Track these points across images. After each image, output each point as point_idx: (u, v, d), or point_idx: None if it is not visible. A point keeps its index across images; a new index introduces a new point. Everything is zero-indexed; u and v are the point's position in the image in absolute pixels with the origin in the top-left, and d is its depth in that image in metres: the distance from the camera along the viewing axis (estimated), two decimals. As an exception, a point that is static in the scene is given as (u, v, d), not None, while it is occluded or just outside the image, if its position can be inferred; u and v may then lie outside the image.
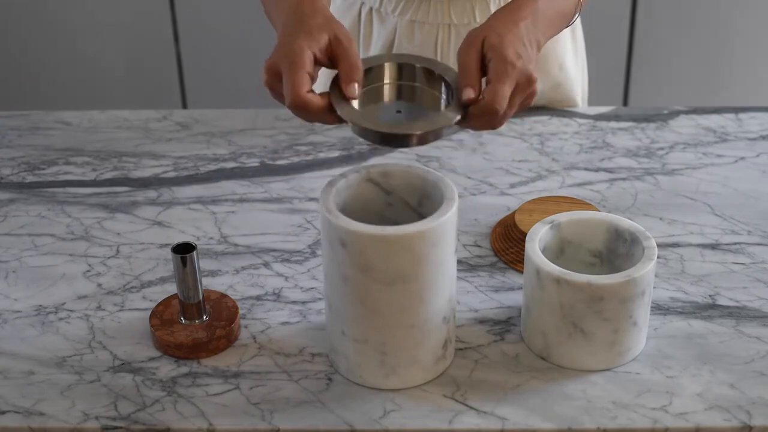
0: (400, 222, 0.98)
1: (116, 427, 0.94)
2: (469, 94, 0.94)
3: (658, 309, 1.07)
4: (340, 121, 0.94)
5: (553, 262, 0.99)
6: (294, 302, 1.09)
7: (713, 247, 1.16)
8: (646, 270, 0.96)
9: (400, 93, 1.00)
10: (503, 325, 1.05)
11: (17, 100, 2.58)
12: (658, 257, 1.11)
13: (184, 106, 2.59)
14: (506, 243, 1.15)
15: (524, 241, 1.04)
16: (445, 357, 0.99)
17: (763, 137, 1.37)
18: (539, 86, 1.41)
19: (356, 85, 0.94)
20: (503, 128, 1.33)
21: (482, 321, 1.06)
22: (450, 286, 0.96)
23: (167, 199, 1.26)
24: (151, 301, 1.09)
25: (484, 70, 0.97)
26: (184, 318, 1.03)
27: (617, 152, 1.34)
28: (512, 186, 1.27)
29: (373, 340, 0.95)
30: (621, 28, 2.45)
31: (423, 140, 0.93)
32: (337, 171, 1.29)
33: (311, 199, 1.25)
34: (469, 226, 1.19)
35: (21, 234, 1.20)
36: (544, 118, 1.42)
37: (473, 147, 1.34)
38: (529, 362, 1.00)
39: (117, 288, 1.11)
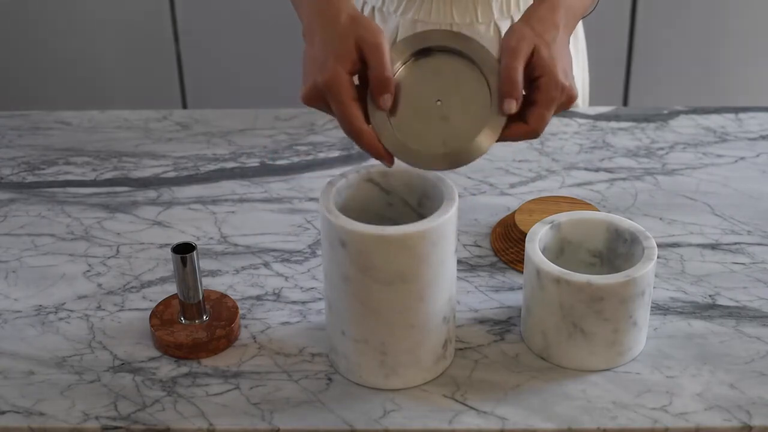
0: (400, 222, 0.98)
1: (116, 427, 0.94)
2: (512, 108, 0.92)
3: (658, 309, 1.07)
4: (389, 157, 0.94)
5: (553, 262, 0.99)
6: (294, 302, 1.09)
7: (713, 247, 1.16)
8: (646, 270, 0.96)
9: (434, 57, 0.96)
10: (503, 325, 1.05)
11: (17, 100, 2.58)
12: (658, 257, 1.11)
13: (184, 106, 2.59)
14: (506, 243, 1.15)
15: (524, 241, 1.04)
16: (445, 357, 0.99)
17: (763, 137, 1.37)
18: None
19: (388, 96, 0.93)
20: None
21: (482, 321, 1.06)
22: (450, 286, 0.96)
23: (167, 199, 1.26)
24: (151, 301, 1.09)
25: (526, 78, 0.94)
26: (184, 318, 1.03)
27: (617, 152, 1.34)
28: (512, 186, 1.27)
29: (373, 340, 0.95)
30: (621, 28, 2.45)
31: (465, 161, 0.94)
32: (337, 171, 1.29)
33: (311, 199, 1.25)
34: (469, 226, 1.19)
35: (21, 234, 1.20)
36: (544, 118, 1.42)
37: (473, 147, 1.34)
38: (529, 362, 1.00)
39: (117, 288, 1.11)
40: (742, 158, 1.33)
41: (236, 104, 2.50)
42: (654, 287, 1.06)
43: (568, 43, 1.00)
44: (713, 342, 1.03)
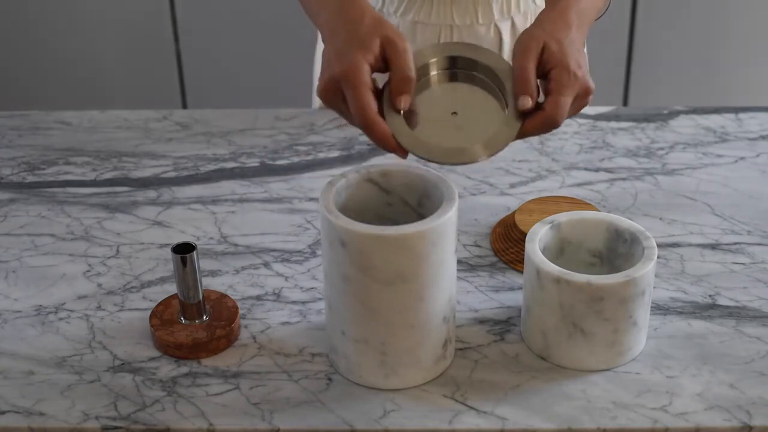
0: (400, 222, 0.98)
1: (116, 427, 0.94)
2: (526, 103, 0.93)
3: (658, 309, 1.07)
4: (402, 150, 0.93)
5: (553, 262, 0.99)
6: (294, 302, 1.09)
7: (713, 247, 1.16)
8: (646, 270, 0.96)
9: (454, 78, 0.98)
10: (503, 325, 1.05)
11: (17, 100, 2.58)
12: (658, 257, 1.11)
13: (184, 106, 2.59)
14: (506, 243, 1.15)
15: (524, 241, 1.04)
16: (445, 357, 0.99)
17: (763, 137, 1.37)
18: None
19: (407, 97, 0.94)
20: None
21: (482, 321, 1.06)
22: (450, 286, 0.96)
23: (167, 199, 1.26)
24: (151, 301, 1.09)
25: (539, 75, 0.96)
26: (184, 318, 1.03)
27: (617, 152, 1.34)
28: (512, 186, 1.27)
29: (373, 340, 0.95)
30: (621, 28, 2.45)
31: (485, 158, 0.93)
32: (337, 171, 1.29)
33: (311, 199, 1.25)
34: (469, 226, 1.19)
35: (21, 234, 1.20)
36: (544, 118, 1.42)
37: (473, 147, 1.34)
38: (529, 362, 1.00)
39: (117, 288, 1.11)
40: (742, 158, 1.33)
41: (236, 104, 2.51)
42: (654, 287, 1.06)
43: (584, 44, 1.01)
44: (713, 342, 1.03)
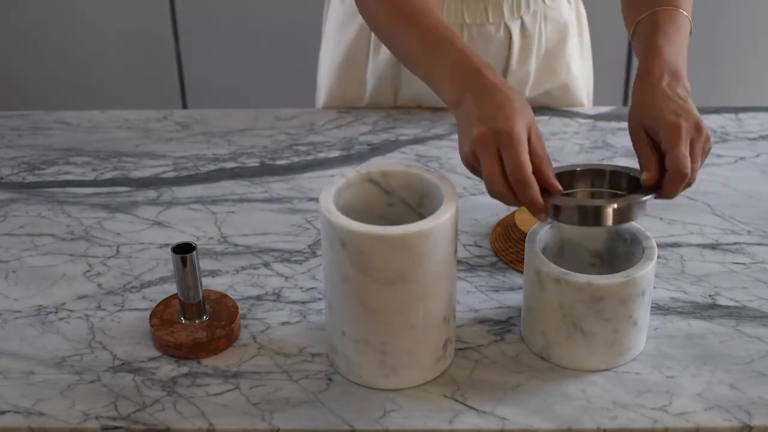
0: (400, 222, 0.98)
1: (116, 427, 0.94)
2: (644, 176, 0.96)
3: (658, 309, 1.07)
4: (545, 212, 0.94)
5: (553, 262, 0.99)
6: (294, 302, 1.09)
7: (713, 247, 1.16)
8: (646, 270, 0.96)
9: (592, 198, 1.02)
10: (503, 325, 1.05)
11: (17, 100, 2.58)
12: (658, 257, 1.11)
13: (184, 106, 2.59)
14: (506, 243, 1.15)
15: (524, 241, 1.04)
16: (445, 357, 0.99)
17: (763, 137, 1.37)
18: (549, 86, 1.42)
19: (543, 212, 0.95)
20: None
21: (482, 321, 1.06)
22: (450, 286, 0.96)
23: (167, 199, 1.26)
24: (151, 301, 1.09)
25: (659, 150, 0.98)
26: (184, 318, 1.03)
27: (617, 152, 1.34)
28: (512, 186, 1.27)
29: (373, 340, 0.95)
30: (621, 28, 2.45)
31: (621, 216, 0.94)
32: (337, 171, 1.29)
33: (311, 199, 1.25)
34: (469, 226, 1.19)
35: (21, 234, 1.20)
36: (544, 118, 1.42)
37: (473, 147, 1.34)
38: (529, 362, 1.00)
39: (117, 288, 1.11)
40: (742, 158, 1.33)
41: (236, 104, 2.50)
42: (654, 287, 1.06)
43: (684, 89, 1.01)
44: (713, 342, 1.03)
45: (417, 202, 0.99)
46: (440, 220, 0.91)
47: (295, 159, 1.34)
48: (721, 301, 1.08)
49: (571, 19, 1.42)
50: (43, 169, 1.32)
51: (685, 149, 0.95)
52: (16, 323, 1.06)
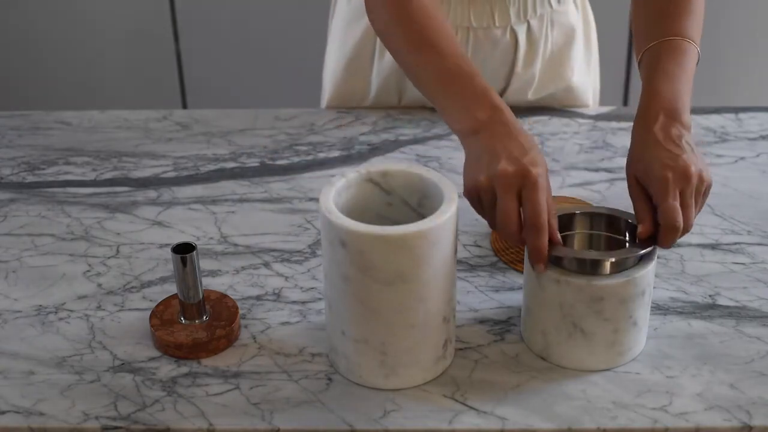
0: (400, 222, 0.98)
1: (116, 427, 0.94)
2: (640, 228, 0.97)
3: (658, 309, 1.07)
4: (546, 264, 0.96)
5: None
6: (294, 302, 1.09)
7: (713, 247, 1.16)
8: (646, 270, 0.96)
9: (590, 241, 1.03)
10: (503, 325, 1.05)
11: (17, 100, 2.58)
12: (658, 257, 1.11)
13: (184, 106, 2.59)
14: (506, 243, 1.15)
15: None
16: (445, 357, 0.99)
17: (763, 137, 1.37)
18: (553, 89, 1.42)
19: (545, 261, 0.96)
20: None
21: (482, 321, 1.06)
22: (450, 286, 0.96)
23: (167, 199, 1.26)
24: (151, 301, 1.09)
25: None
26: (184, 318, 1.03)
27: (617, 152, 1.34)
28: (512, 186, 1.27)
29: (373, 340, 0.95)
30: (621, 28, 2.45)
31: (619, 268, 0.96)
32: (337, 171, 1.29)
33: (311, 199, 1.25)
34: (469, 226, 1.19)
35: (21, 234, 1.20)
36: (544, 118, 1.42)
37: (473, 147, 1.34)
38: (529, 362, 1.00)
39: (117, 288, 1.11)
40: (742, 158, 1.33)
41: (236, 104, 2.51)
42: (654, 287, 1.06)
43: (680, 127, 1.02)
44: (713, 342, 1.03)
45: (417, 202, 0.99)
46: (440, 220, 0.91)
47: (295, 159, 1.34)
48: (721, 301, 1.08)
49: (577, 22, 1.42)
50: (43, 169, 1.32)
51: (673, 201, 0.96)
52: (16, 323, 1.06)
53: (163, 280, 1.12)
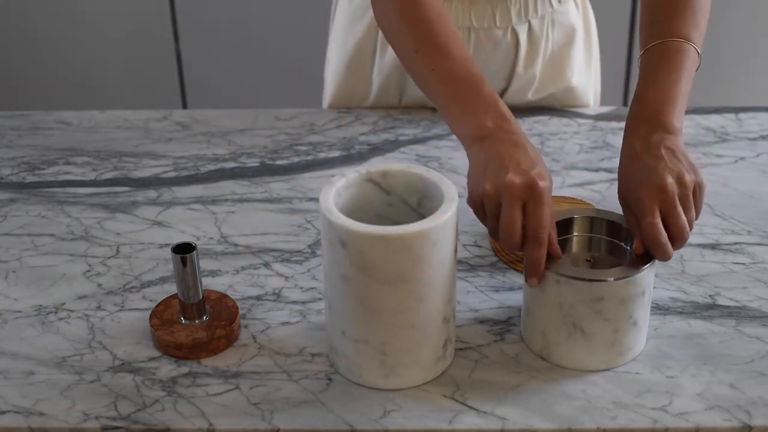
0: (400, 222, 0.98)
1: (116, 427, 0.94)
2: (635, 244, 0.97)
3: (658, 309, 1.07)
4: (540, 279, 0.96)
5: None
6: (294, 302, 1.09)
7: (713, 247, 1.16)
8: (646, 270, 0.96)
9: (589, 244, 1.03)
10: (503, 325, 1.05)
11: (17, 100, 2.58)
12: (658, 257, 1.11)
13: (184, 106, 2.59)
14: (506, 243, 1.15)
15: (524, 241, 1.04)
16: (445, 357, 0.99)
17: (763, 137, 1.37)
18: (553, 89, 1.42)
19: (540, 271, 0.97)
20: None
21: (482, 321, 1.06)
22: (450, 286, 0.96)
23: (167, 199, 1.26)
24: (151, 301, 1.09)
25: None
26: (184, 318, 1.03)
27: (617, 152, 1.34)
28: (512, 186, 1.27)
29: (373, 340, 0.95)
30: (622, 28, 2.45)
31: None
32: (337, 171, 1.29)
33: (311, 199, 1.25)
34: (469, 226, 1.19)
35: (21, 234, 1.20)
36: (544, 118, 1.42)
37: (473, 147, 1.34)
38: (529, 362, 1.00)
39: (117, 288, 1.11)
40: (742, 158, 1.33)
41: (236, 104, 2.51)
42: (654, 287, 1.06)
43: (665, 136, 1.02)
44: (713, 342, 1.03)
45: (417, 202, 0.99)
46: (440, 220, 0.91)
47: (295, 159, 1.34)
48: (721, 301, 1.08)
49: (578, 22, 1.42)
50: (43, 169, 1.32)
51: (651, 218, 0.97)
52: (16, 323, 1.06)
53: (163, 280, 1.12)
